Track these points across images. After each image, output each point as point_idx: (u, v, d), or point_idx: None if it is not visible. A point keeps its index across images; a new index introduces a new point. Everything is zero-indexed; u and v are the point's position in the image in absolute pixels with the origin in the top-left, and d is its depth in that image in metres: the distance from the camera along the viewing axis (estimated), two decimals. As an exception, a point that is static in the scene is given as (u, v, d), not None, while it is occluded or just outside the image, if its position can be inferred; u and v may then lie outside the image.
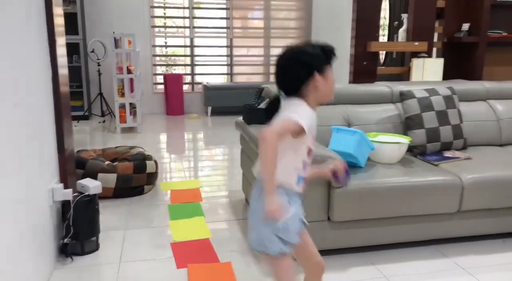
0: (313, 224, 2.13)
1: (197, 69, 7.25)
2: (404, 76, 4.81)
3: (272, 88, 2.79)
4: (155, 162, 3.27)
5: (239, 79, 7.38)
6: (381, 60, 6.67)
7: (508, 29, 4.49)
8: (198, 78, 7.24)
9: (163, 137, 5.53)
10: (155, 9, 6.93)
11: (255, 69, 7.39)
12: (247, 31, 7.35)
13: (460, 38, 4.53)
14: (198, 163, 4.32)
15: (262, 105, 2.71)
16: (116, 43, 5.37)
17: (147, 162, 3.15)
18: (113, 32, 5.50)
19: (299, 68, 1.41)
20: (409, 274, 2.12)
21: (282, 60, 1.45)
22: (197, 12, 7.10)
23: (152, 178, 3.21)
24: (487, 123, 2.91)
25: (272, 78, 5.51)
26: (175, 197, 3.11)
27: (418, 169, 2.38)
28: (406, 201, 2.21)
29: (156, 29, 7.07)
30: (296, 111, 1.39)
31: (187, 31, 7.07)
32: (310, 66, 1.41)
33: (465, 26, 4.53)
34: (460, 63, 4.59)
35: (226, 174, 3.85)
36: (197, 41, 7.12)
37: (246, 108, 2.72)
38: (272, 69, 6.44)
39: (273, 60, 7.45)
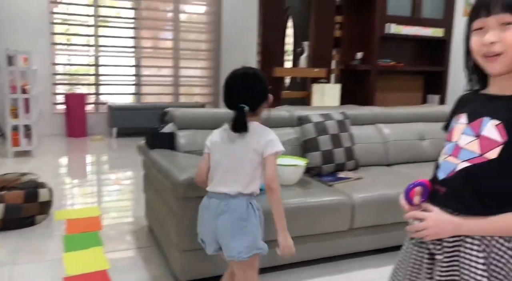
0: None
1: (102, 89, 6.97)
2: (307, 100, 5.08)
3: (178, 111, 2.78)
4: (50, 189, 3.06)
5: (148, 99, 7.24)
6: (286, 84, 7.00)
7: (395, 59, 4.98)
8: (103, 98, 6.97)
9: (63, 161, 5.20)
10: (57, 26, 6.58)
11: (163, 90, 7.31)
12: (155, 51, 7.27)
13: (355, 66, 4.92)
14: (100, 188, 4.12)
15: (166, 129, 2.69)
16: (10, 60, 4.98)
17: (40, 190, 2.94)
18: (6, 49, 5.11)
19: (264, 87, 1.72)
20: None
21: (249, 80, 1.71)
22: (103, 30, 6.88)
23: (45, 207, 2.99)
24: (375, 145, 3.17)
25: (182, 98, 5.53)
26: (71, 227, 2.92)
27: (314, 190, 2.51)
28: (303, 221, 2.31)
29: (58, 46, 6.70)
30: (274, 140, 1.72)
31: (91, 50, 6.80)
32: (267, 87, 1.72)
33: (359, 55, 4.94)
34: (356, 89, 4.98)
35: (130, 200, 3.72)
36: (102, 60, 6.88)
37: (148, 132, 2.67)
38: (182, 90, 6.50)
39: (182, 80, 7.49)
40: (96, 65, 6.83)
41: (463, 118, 1.10)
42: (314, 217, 2.33)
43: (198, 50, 7.44)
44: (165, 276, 2.31)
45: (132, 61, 7.05)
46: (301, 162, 2.64)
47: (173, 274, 2.27)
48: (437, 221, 1.03)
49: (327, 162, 2.83)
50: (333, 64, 5.12)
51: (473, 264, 1.02)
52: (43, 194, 2.95)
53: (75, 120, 6.35)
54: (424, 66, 5.14)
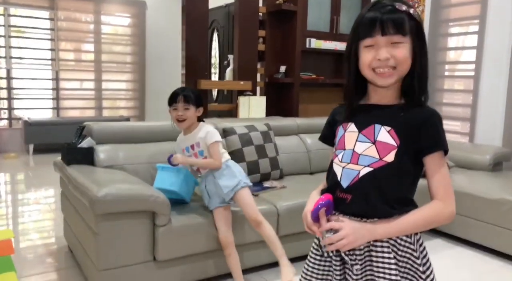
0: (136, 266, 2.08)
1: (17, 103, 6.52)
2: (234, 111, 5.12)
3: (96, 125, 2.67)
4: (-47, 213, 2.78)
5: (69, 113, 6.88)
6: (214, 96, 7.02)
7: (316, 72, 5.20)
8: (18, 113, 6.51)
9: (-28, 181, 4.76)
10: (-38, 35, 6.07)
11: (86, 103, 6.99)
12: (76, 63, 6.95)
13: (278, 79, 5.06)
14: (14, 208, 3.82)
15: (84, 144, 2.57)
16: None
17: None
18: None
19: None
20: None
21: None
22: (17, 41, 6.46)
23: None
24: (299, 154, 3.28)
25: (106, 112, 5.39)
26: (-20, 252, 2.67)
27: (240, 201, 2.53)
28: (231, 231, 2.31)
29: (-37, 58, 6.18)
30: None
31: (2, 62, 6.35)
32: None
33: (282, 68, 5.09)
34: (280, 101, 5.12)
35: (49, 220, 3.49)
36: (17, 73, 6.45)
37: (65, 148, 2.54)
38: (106, 103, 6.27)
39: (106, 94, 7.24)
40: (9, 78, 6.38)
41: (352, 127, 1.16)
42: (240, 226, 2.34)
43: (122, 62, 7.23)
44: (86, 299, 2.19)
45: (51, 74, 6.68)
46: (227, 173, 2.65)
47: (94, 296, 2.16)
48: (353, 229, 1.05)
49: (253, 172, 2.87)
50: (258, 77, 5.23)
51: (387, 266, 1.09)
52: None
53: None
54: (343, 79, 5.40)
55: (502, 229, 2.81)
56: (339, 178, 1.13)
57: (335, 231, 1.07)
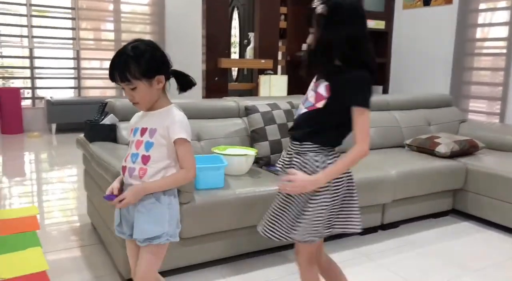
0: (160, 243, 2.06)
1: (39, 83, 6.58)
2: (254, 91, 5.05)
3: (118, 102, 2.65)
4: (-20, 189, 2.82)
5: (90, 93, 6.91)
6: (234, 76, 6.94)
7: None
8: (40, 93, 6.57)
9: (-4, 159, 4.85)
10: (-16, 15, 6.11)
11: (107, 83, 7.01)
12: (97, 43, 6.95)
13: (300, 57, 4.95)
14: (39, 187, 3.88)
15: (106, 121, 2.55)
16: None
17: (-32, 189, 2.70)
18: None
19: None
20: (258, 282, 2.19)
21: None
22: (38, 21, 6.47)
23: (-25, 208, 2.76)
24: (323, 134, 3.20)
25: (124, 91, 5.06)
26: (4, 228, 2.71)
27: (263, 180, 2.48)
28: (253, 211, 2.27)
29: (-13, 37, 6.23)
30: None
31: (25, 41, 6.38)
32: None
33: (304, 46, 4.97)
34: (302, 80, 5.03)
35: (71, 198, 3.53)
36: (38, 52, 6.48)
37: (88, 124, 2.53)
38: None
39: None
40: (31, 57, 6.42)
41: (315, 79, 1.59)
42: (264, 206, 2.30)
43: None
44: (110, 275, 2.20)
45: (72, 53, 6.69)
46: (251, 152, 2.61)
47: (118, 272, 2.16)
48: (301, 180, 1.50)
49: (276, 151, 2.81)
50: (280, 55, 5.13)
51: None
52: (-29, 195, 2.72)
53: (10, 116, 5.95)
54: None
55: (535, 212, 2.71)
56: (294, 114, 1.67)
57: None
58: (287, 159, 1.61)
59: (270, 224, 1.69)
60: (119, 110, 2.59)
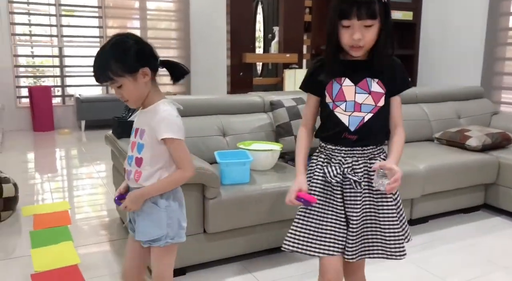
0: (187, 238, 2.09)
1: (68, 81, 6.74)
2: (279, 86, 5.03)
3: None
4: (14, 185, 2.92)
5: (117, 90, 7.04)
6: (258, 71, 6.93)
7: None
8: (70, 90, 6.74)
9: (30, 156, 5.00)
10: (16, 15, 6.30)
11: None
12: (123, 41, 7.05)
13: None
14: (70, 182, 3.98)
15: (133, 117, 2.59)
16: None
17: (4, 185, 2.80)
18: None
19: None
20: (284, 277, 2.18)
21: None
22: (67, 20, 6.63)
23: (10, 203, 2.86)
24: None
25: None
26: (38, 222, 2.80)
27: (290, 175, 2.47)
28: (279, 206, 2.27)
29: (18, 38, 6.42)
30: None
31: (55, 40, 6.55)
32: None
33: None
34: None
35: (100, 193, 3.61)
36: (67, 51, 6.64)
37: (115, 121, 2.57)
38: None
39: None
40: (61, 56, 6.58)
41: (347, 81, 1.43)
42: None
43: (167, 38, 7.27)
44: (139, 268, 2.24)
45: (99, 52, 6.82)
46: (276, 147, 2.60)
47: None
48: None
49: (301, 146, 2.80)
50: (305, 49, 5.09)
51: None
52: (7, 190, 2.82)
53: (41, 113, 6.12)
54: (395, 50, 5.16)
55: None
56: (347, 124, 1.43)
57: (382, 173, 1.35)
58: (359, 167, 1.43)
59: (363, 246, 1.49)
60: (145, 106, 2.62)
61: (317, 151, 1.55)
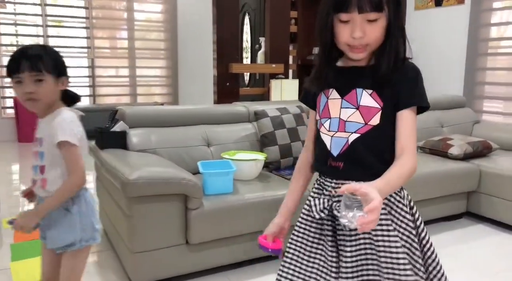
0: (169, 249, 2.08)
1: (55, 91, 6.69)
2: (266, 96, 5.06)
3: (128, 109, 2.69)
4: (-4, 196, 2.89)
5: (105, 101, 7.01)
6: (246, 81, 6.96)
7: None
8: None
9: (14, 168, 4.95)
10: (3, 26, 6.27)
11: (121, 91, 7.10)
12: (111, 51, 7.05)
13: (311, 61, 4.94)
14: (54, 193, 3.94)
15: (117, 128, 2.59)
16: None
17: (-15, 197, 2.76)
18: None
19: None
20: (268, 287, 2.18)
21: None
22: (55, 30, 6.61)
23: (-9, 215, 2.82)
24: (333, 137, 3.19)
25: (140, 99, 5.30)
26: (19, 235, 2.76)
27: (273, 184, 2.49)
28: (262, 215, 2.27)
29: (5, 48, 6.38)
30: None
31: (41, 51, 6.51)
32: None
33: (316, 50, 4.97)
34: (313, 83, 5.02)
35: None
36: (54, 61, 6.60)
37: (98, 132, 2.56)
38: (140, 90, 6.26)
39: (140, 81, 7.32)
40: (48, 66, 6.54)
41: (333, 93, 1.15)
42: (273, 211, 2.29)
43: (155, 49, 7.28)
44: (120, 280, 2.22)
45: (87, 62, 6.81)
46: (260, 157, 2.61)
47: (128, 278, 2.18)
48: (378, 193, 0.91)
49: (286, 156, 2.81)
50: (291, 60, 5.13)
51: (385, 227, 1.09)
52: (-12, 202, 2.78)
53: (26, 124, 6.06)
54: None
55: (552, 214, 2.64)
56: (329, 147, 1.14)
57: (352, 201, 0.91)
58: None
59: None
60: (129, 117, 2.62)
61: (315, 180, 1.24)
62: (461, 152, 3.05)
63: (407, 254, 1.09)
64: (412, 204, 1.18)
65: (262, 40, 5.01)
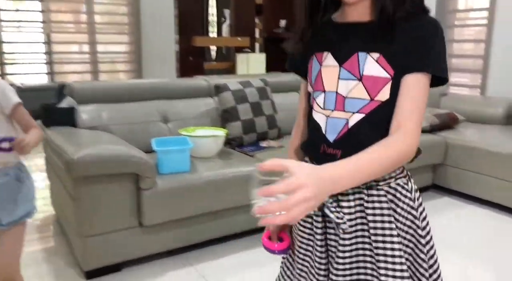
0: (122, 232, 1.94)
1: (9, 69, 6.31)
2: (232, 70, 4.89)
3: (77, 84, 2.50)
4: None
5: (65, 78, 6.66)
6: (213, 57, 6.74)
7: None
8: (11, 79, 6.32)
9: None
10: None
11: (81, 68, 6.76)
12: (68, 26, 6.67)
13: (278, 34, 4.78)
14: None
15: (64, 104, 2.39)
16: None
17: None
18: None
19: None
20: (227, 269, 2.08)
21: None
22: (6, 4, 6.17)
23: None
24: (298, 112, 3.07)
25: (102, 76, 4.95)
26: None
27: (234, 161, 2.37)
28: (222, 194, 2.16)
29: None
30: None
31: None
32: None
33: (282, 23, 4.81)
34: (281, 57, 4.87)
35: (39, 188, 3.36)
36: (7, 37, 6.19)
37: (43, 108, 2.36)
38: (102, 67, 5.89)
39: (101, 57, 6.97)
40: (0, 42, 6.14)
41: (329, 59, 0.87)
42: (234, 189, 2.18)
43: (116, 23, 6.92)
44: (70, 267, 2.07)
45: (43, 37, 6.42)
46: (220, 133, 2.48)
47: (78, 264, 2.04)
48: (313, 181, 0.66)
49: (248, 131, 2.69)
50: (257, 33, 4.96)
51: (387, 226, 0.86)
52: None
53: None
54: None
55: (517, 185, 2.63)
56: (323, 130, 0.88)
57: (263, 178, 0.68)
58: (348, 200, 0.86)
59: None
60: (78, 92, 2.43)
61: None
62: (427, 124, 2.99)
63: (409, 260, 0.88)
64: (420, 200, 0.91)
65: (226, 12, 4.81)
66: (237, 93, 2.71)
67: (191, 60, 4.34)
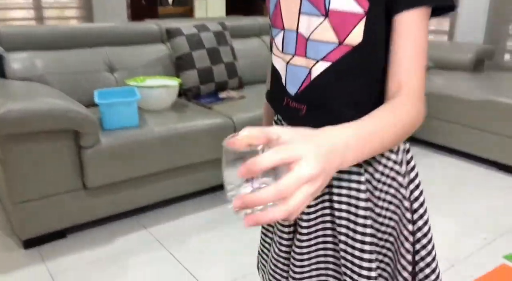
0: (63, 196, 1.73)
1: None
2: (190, 15, 4.55)
3: (5, 28, 2.17)
4: None
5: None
6: (170, 1, 6.28)
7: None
8: None
9: None
10: None
11: (25, 14, 6.15)
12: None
13: (239, -25, 4.43)
14: None
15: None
16: None
17: None
18: None
19: None
20: (184, 229, 1.93)
21: None
22: None
23: None
24: (261, 59, 2.86)
25: (47, 22, 4.40)
26: None
27: (190, 114, 2.15)
28: (175, 150, 1.96)
29: None
30: None
31: None
32: None
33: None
34: (244, 1, 4.54)
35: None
36: None
37: (-35, 57, 2.04)
38: (47, 13, 5.19)
39: (46, 2, 6.36)
40: None
41: None
42: (189, 144, 1.99)
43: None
44: (7, 236, 1.86)
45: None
46: (173, 83, 2.24)
47: (16, 234, 1.83)
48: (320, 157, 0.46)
49: (206, 81, 2.46)
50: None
51: (354, 201, 0.68)
52: None
53: None
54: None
55: (486, 133, 2.57)
56: (283, 80, 0.70)
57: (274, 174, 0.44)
58: None
59: None
60: (5, 37, 2.10)
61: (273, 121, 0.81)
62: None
63: (392, 250, 0.72)
64: (414, 173, 0.73)
65: (182, -51, 4.38)
66: (192, 37, 2.45)
67: (143, 4, 3.96)
